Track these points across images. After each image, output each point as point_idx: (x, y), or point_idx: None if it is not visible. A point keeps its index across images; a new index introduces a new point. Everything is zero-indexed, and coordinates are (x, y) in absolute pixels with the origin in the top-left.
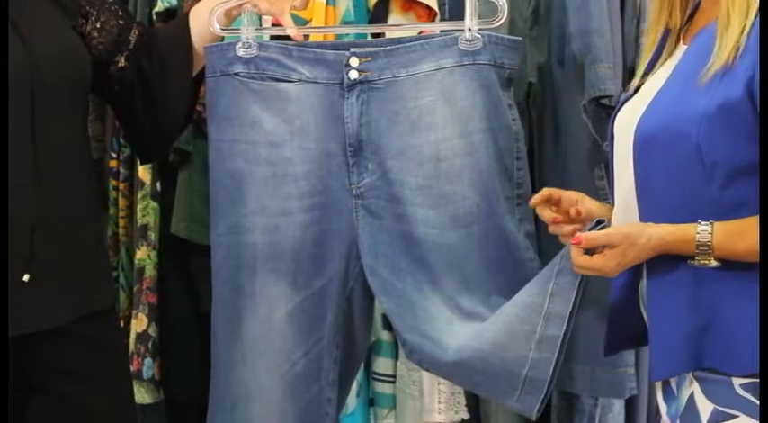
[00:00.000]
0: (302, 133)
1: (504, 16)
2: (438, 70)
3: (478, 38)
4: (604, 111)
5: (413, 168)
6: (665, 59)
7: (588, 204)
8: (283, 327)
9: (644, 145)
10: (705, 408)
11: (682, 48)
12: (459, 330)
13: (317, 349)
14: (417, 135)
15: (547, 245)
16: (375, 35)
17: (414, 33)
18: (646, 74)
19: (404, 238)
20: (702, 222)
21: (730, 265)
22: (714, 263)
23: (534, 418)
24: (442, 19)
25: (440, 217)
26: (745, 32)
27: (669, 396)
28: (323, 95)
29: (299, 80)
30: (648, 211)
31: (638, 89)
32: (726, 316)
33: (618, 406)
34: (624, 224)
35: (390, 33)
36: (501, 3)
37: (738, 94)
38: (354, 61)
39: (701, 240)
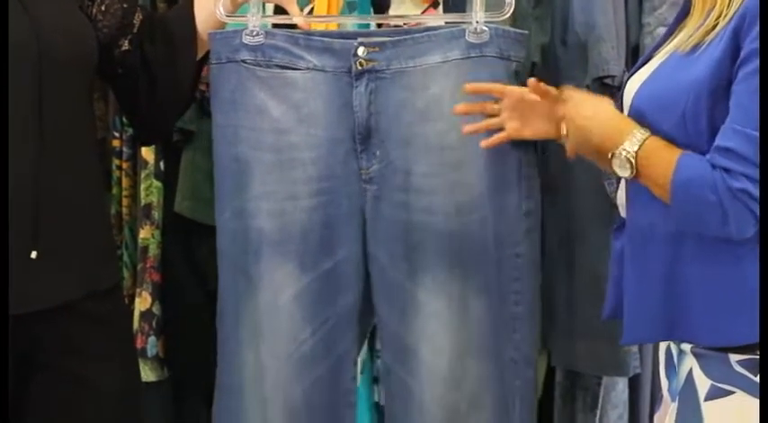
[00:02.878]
0: (310, 120)
1: (510, 10)
2: (445, 62)
3: (486, 30)
4: (608, 90)
5: (419, 157)
6: (676, 35)
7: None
8: (290, 308)
9: (636, 114)
10: (703, 384)
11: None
12: (440, 345)
13: (324, 329)
14: (424, 125)
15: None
16: (380, 25)
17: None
18: (656, 49)
19: (404, 225)
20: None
21: (707, 240)
22: (628, 173)
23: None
24: (445, 8)
25: (444, 204)
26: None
27: (671, 372)
28: (331, 83)
29: (307, 68)
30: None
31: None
32: (698, 287)
33: (621, 384)
34: None
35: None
36: None
37: (724, 62)
38: (362, 51)
39: (628, 146)
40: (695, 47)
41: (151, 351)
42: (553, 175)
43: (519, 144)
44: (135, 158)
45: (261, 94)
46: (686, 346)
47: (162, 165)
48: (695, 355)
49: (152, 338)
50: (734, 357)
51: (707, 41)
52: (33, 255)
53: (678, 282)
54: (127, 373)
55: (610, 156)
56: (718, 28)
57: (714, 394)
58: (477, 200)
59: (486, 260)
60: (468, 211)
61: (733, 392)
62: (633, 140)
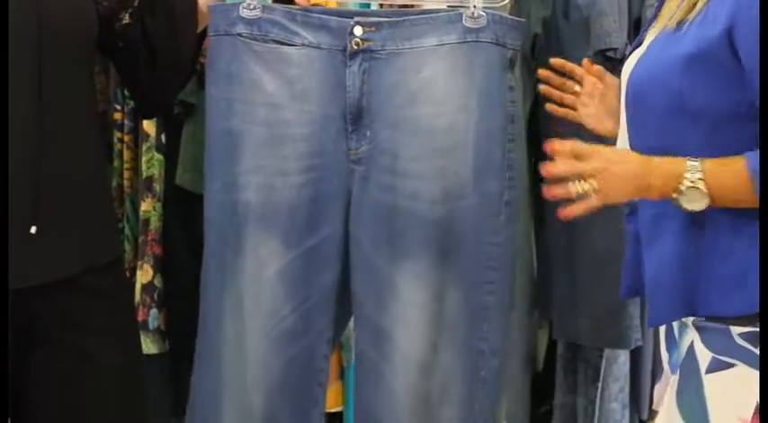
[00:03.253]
0: (303, 96)
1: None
2: (441, 45)
3: (483, 16)
4: (610, 63)
5: (408, 140)
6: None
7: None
8: (273, 283)
9: (633, 96)
10: (704, 357)
11: None
12: (415, 332)
13: (305, 307)
14: (415, 108)
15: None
16: (381, 5)
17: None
18: (649, 25)
19: (388, 210)
20: (690, 159)
21: (721, 211)
22: (707, 201)
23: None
24: None
25: (431, 190)
26: None
27: (672, 346)
28: (325, 61)
29: (302, 44)
30: None
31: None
32: (719, 260)
33: (623, 357)
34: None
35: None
36: None
37: (714, 39)
38: (358, 30)
39: (690, 176)
40: (680, 23)
41: (152, 323)
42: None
43: (504, 131)
44: (136, 131)
45: (256, 69)
46: (687, 319)
47: (163, 137)
48: (696, 327)
49: (153, 311)
50: (735, 330)
51: (689, 19)
52: (33, 230)
53: (693, 260)
54: (128, 346)
55: (675, 195)
56: (699, 5)
57: (715, 367)
58: (463, 187)
59: (466, 249)
60: (454, 197)
61: (734, 365)
62: (692, 170)
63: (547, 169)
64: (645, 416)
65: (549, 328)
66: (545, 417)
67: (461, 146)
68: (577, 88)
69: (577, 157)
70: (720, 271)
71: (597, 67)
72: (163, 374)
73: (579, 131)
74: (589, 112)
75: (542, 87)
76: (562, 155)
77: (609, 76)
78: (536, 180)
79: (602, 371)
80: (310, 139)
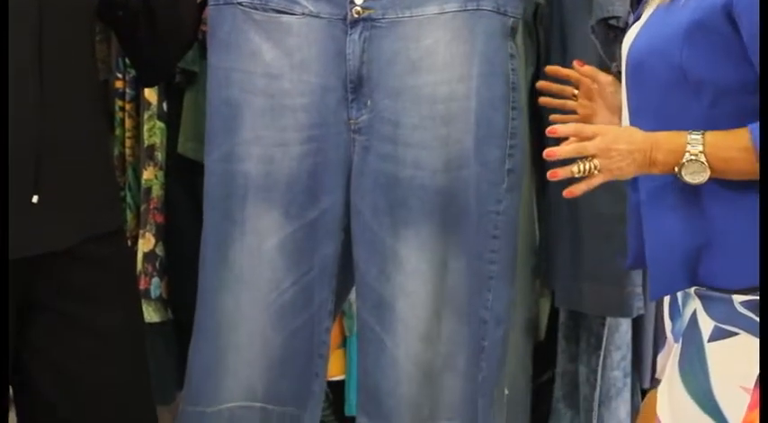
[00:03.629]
0: (302, 66)
1: None
2: (442, 14)
3: None
4: (612, 32)
5: (409, 109)
6: None
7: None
8: (273, 256)
9: (634, 69)
10: (706, 325)
11: None
12: (417, 302)
13: (306, 279)
14: (416, 76)
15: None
16: None
17: None
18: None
19: (389, 179)
20: (692, 132)
21: (723, 183)
22: (708, 174)
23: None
24: None
25: (433, 159)
26: None
27: (675, 314)
28: (325, 30)
29: (302, 14)
30: None
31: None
32: (721, 231)
33: (625, 325)
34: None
35: None
36: None
37: (713, 9)
38: None
39: (692, 149)
40: None
41: (154, 292)
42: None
43: (506, 99)
44: (138, 100)
45: (255, 38)
46: (690, 289)
47: (165, 106)
48: (699, 296)
49: (155, 280)
50: (737, 298)
51: None
52: (35, 199)
53: (694, 232)
54: (130, 315)
55: (677, 169)
56: None
57: (717, 335)
58: (465, 155)
59: (467, 217)
60: (455, 166)
61: (736, 334)
62: (693, 143)
63: (550, 152)
64: (647, 384)
65: (552, 296)
66: (547, 385)
67: (463, 114)
68: (576, 91)
69: (579, 138)
70: (722, 243)
71: (588, 67)
72: (167, 344)
73: None
74: (590, 113)
75: (542, 99)
76: (564, 137)
77: (602, 75)
78: (537, 147)
79: (604, 339)
80: (310, 109)
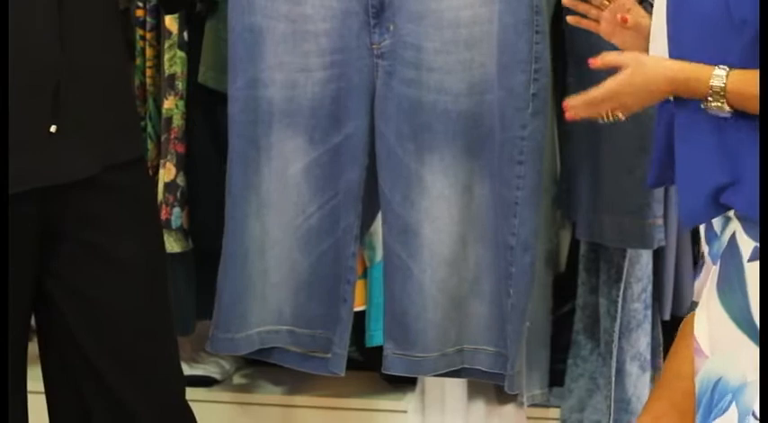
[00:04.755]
0: None
1: None
2: None
3: None
4: None
5: (432, 33)
6: None
7: (638, 16)
8: (299, 181)
9: (675, 2)
10: (746, 246)
11: None
12: (442, 227)
13: (332, 203)
14: (438, 0)
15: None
16: None
17: None
18: None
19: (412, 104)
20: (719, 67)
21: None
22: (727, 109)
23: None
24: None
25: (456, 83)
26: None
27: (712, 237)
28: None
29: None
30: None
31: None
32: (752, 162)
33: (646, 257)
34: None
35: None
36: None
37: None
38: None
39: (716, 83)
40: None
41: (175, 222)
42: (579, 49)
43: (529, 23)
44: (158, 29)
45: None
46: (730, 212)
47: (186, 35)
48: (739, 218)
49: (176, 210)
50: None
51: None
52: (53, 129)
53: (731, 160)
54: (151, 245)
55: (704, 103)
56: None
57: (757, 255)
58: (489, 80)
59: (492, 142)
60: (479, 91)
61: None
62: (716, 79)
63: (570, 116)
64: (667, 316)
65: (572, 227)
66: (567, 317)
67: (486, 38)
68: (606, 1)
69: (593, 105)
70: (755, 172)
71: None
72: (188, 274)
73: None
74: (612, 31)
75: (570, 18)
76: (577, 110)
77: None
78: (559, 75)
79: (624, 271)
80: (332, 34)
